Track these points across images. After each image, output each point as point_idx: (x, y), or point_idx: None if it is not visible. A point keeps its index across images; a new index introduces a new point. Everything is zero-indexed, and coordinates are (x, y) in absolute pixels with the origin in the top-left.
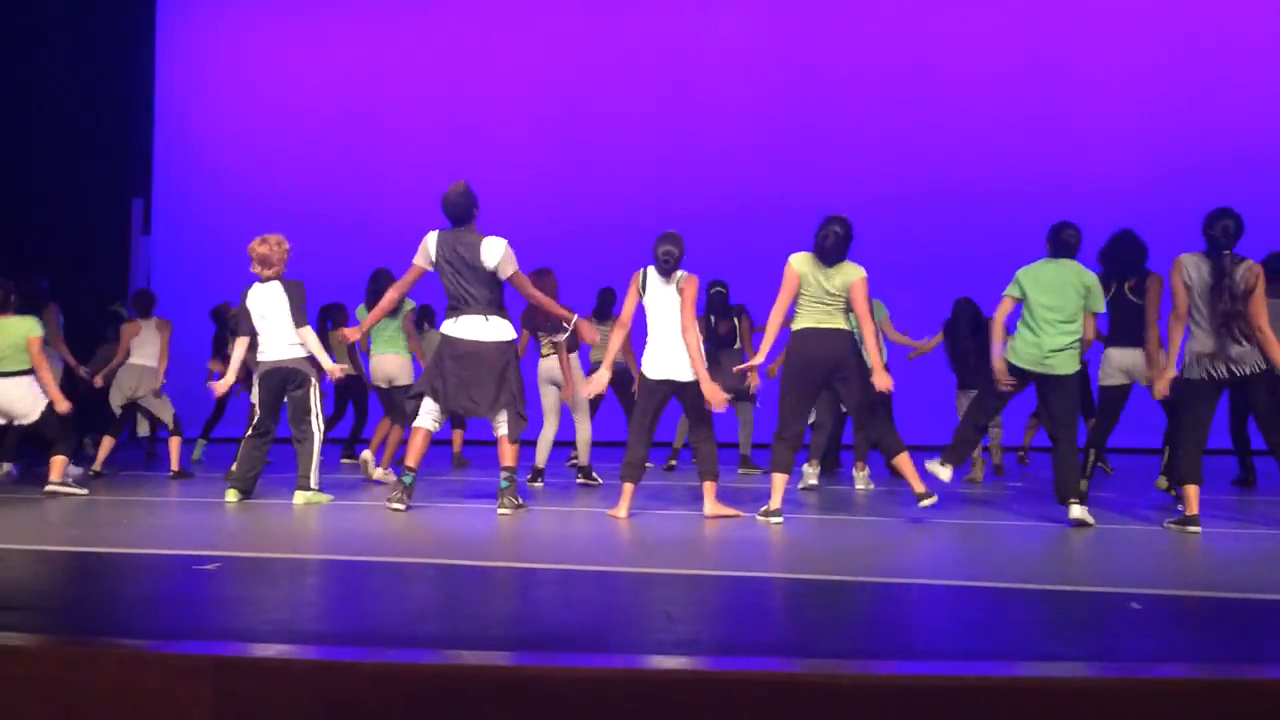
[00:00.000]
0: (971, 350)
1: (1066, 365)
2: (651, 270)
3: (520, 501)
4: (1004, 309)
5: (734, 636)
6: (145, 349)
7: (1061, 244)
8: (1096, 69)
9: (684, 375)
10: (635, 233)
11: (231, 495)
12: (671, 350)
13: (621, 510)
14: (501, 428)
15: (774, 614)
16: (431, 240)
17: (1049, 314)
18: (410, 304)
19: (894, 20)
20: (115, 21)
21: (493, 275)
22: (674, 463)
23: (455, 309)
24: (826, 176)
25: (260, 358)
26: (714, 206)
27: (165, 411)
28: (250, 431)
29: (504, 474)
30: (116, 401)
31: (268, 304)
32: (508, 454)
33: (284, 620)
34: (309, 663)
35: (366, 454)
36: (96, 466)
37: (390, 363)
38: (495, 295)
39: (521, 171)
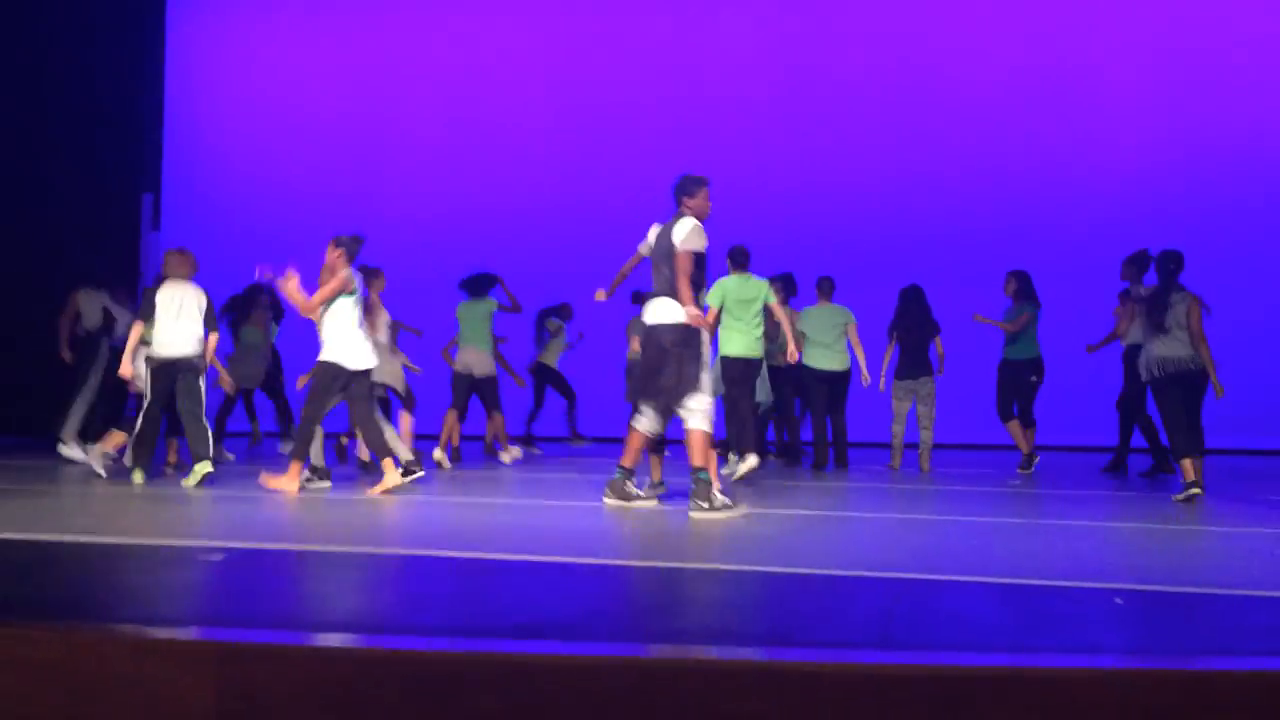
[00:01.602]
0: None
1: None
2: None
3: (721, 501)
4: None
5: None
6: None
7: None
8: (1089, 72)
9: None
10: (636, 231)
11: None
12: None
13: None
14: (690, 420)
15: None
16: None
17: None
18: (492, 303)
19: (893, 25)
20: (125, 16)
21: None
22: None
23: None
24: (819, 176)
25: (163, 351)
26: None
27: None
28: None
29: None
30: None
31: (182, 302)
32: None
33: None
34: (311, 649)
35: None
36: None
37: (470, 355)
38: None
39: (526, 170)
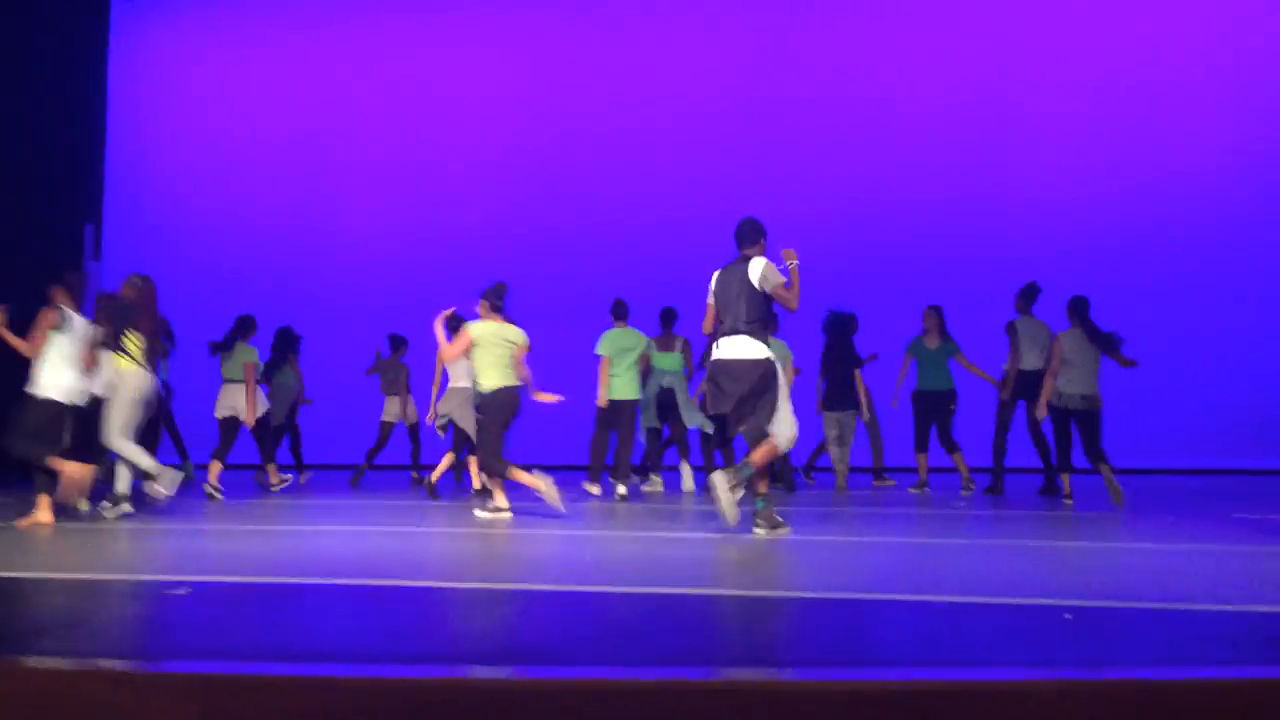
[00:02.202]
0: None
1: None
2: None
3: (780, 521)
4: None
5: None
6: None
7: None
8: (1087, 84)
9: None
10: (610, 249)
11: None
12: None
13: None
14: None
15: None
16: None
17: None
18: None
19: (891, 32)
20: (66, 46)
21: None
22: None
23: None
24: (812, 187)
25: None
26: (701, 221)
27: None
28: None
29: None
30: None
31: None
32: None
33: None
34: (296, 679)
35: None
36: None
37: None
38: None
39: (480, 195)
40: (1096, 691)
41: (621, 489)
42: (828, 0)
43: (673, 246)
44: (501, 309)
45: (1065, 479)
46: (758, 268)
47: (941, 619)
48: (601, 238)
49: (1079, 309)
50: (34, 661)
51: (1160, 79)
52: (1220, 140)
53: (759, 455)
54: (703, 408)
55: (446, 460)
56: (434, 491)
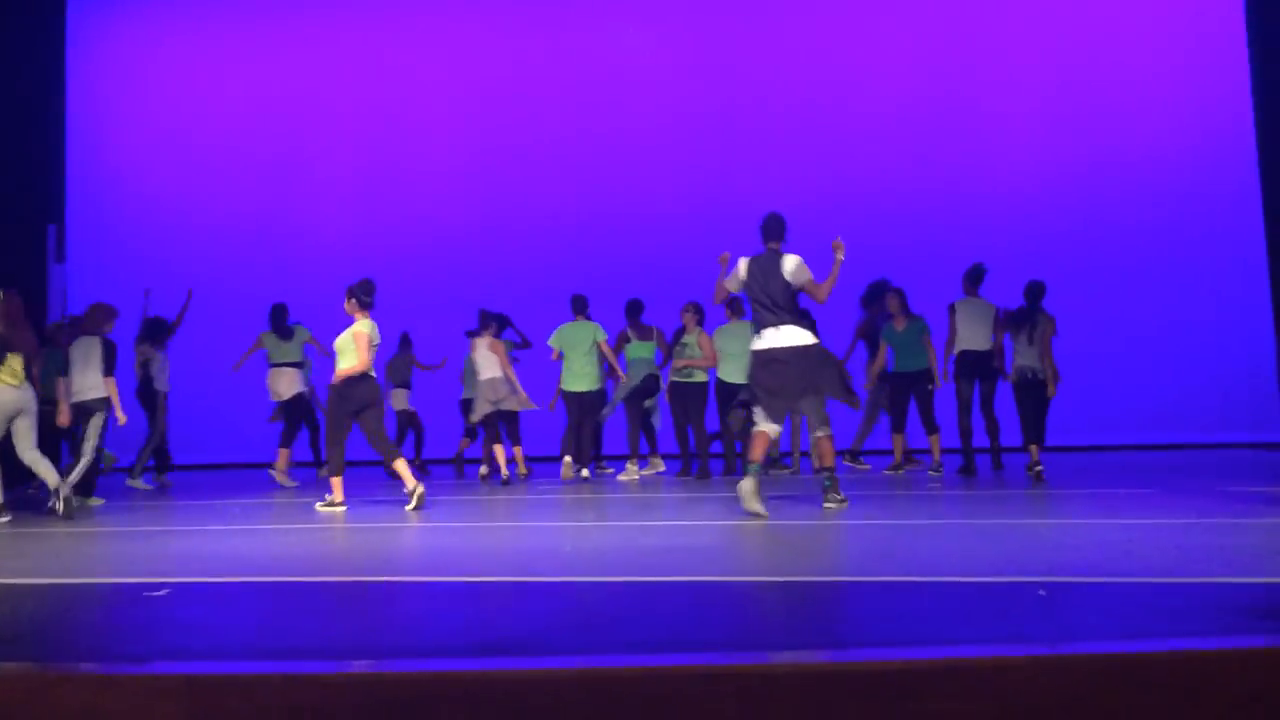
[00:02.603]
0: None
1: None
2: None
3: (844, 497)
4: None
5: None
6: None
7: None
8: (1087, 84)
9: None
10: (584, 252)
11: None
12: None
13: None
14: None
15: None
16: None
17: None
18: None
19: (885, 32)
20: (24, 44)
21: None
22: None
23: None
24: (806, 184)
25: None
26: (695, 222)
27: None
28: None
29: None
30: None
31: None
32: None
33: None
34: (279, 677)
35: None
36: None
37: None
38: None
39: (468, 185)
40: (1069, 665)
41: (585, 472)
42: (818, 4)
43: (661, 242)
44: (371, 305)
45: (1033, 450)
46: (791, 264)
47: (917, 598)
48: (591, 233)
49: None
50: (13, 667)
51: (1125, 69)
52: (1188, 129)
53: (829, 457)
54: (741, 398)
55: (500, 452)
56: (506, 480)
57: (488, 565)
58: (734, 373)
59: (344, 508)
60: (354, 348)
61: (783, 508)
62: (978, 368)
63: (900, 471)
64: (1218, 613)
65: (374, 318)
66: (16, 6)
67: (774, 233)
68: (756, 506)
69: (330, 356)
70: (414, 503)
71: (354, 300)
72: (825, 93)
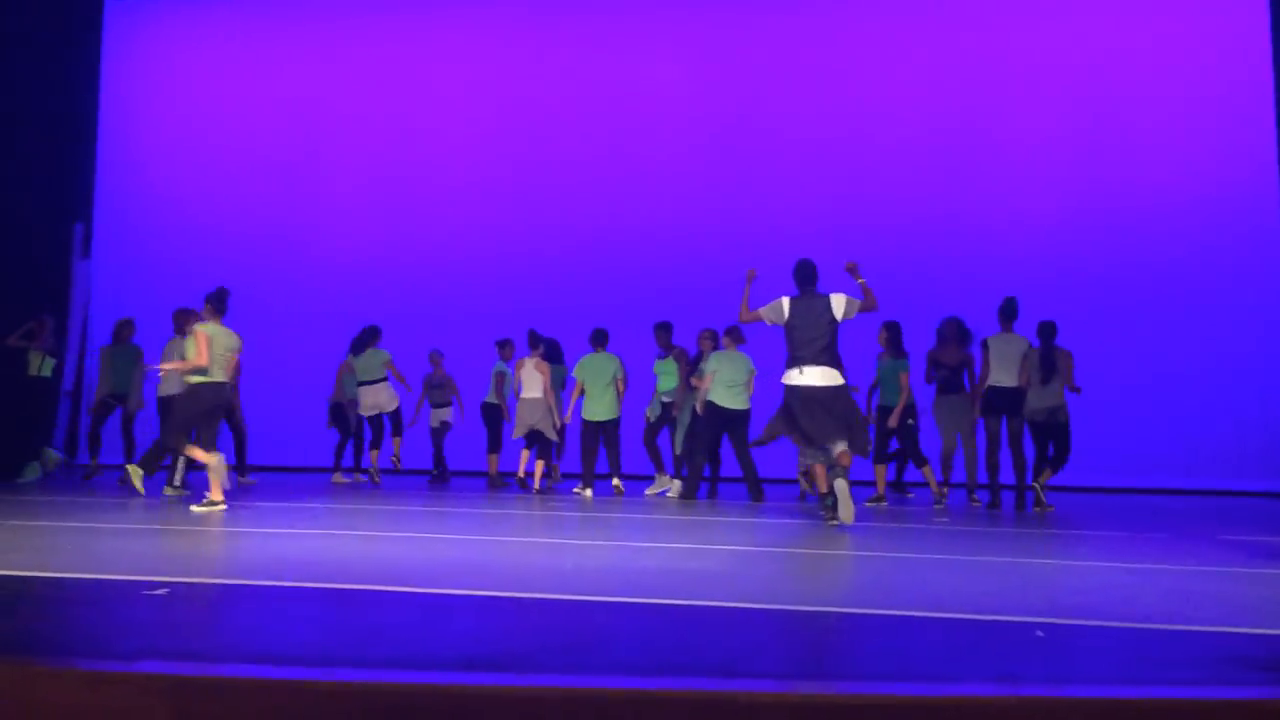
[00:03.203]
0: None
1: None
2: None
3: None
4: None
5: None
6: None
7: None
8: (1080, 93)
9: None
10: (601, 266)
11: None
12: None
13: None
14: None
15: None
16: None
17: None
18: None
19: (889, 47)
20: (59, 45)
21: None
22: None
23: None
24: (809, 204)
25: None
26: (696, 243)
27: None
28: None
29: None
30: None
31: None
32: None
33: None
34: (266, 681)
35: None
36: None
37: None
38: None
39: (473, 202)
40: (1062, 709)
41: (588, 492)
42: (823, 18)
43: (670, 258)
44: (225, 312)
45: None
46: (840, 303)
47: (914, 633)
48: (608, 249)
49: (1041, 332)
50: (6, 662)
51: (1153, 92)
52: (1213, 158)
53: (847, 459)
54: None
55: (539, 466)
56: (538, 490)
57: (487, 579)
58: (726, 397)
59: (224, 506)
60: (195, 349)
61: (793, 534)
62: (1008, 404)
63: (883, 504)
64: (1216, 663)
65: (412, 324)
66: (53, 9)
67: (811, 277)
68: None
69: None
70: (204, 508)
71: (208, 306)
72: (851, 114)
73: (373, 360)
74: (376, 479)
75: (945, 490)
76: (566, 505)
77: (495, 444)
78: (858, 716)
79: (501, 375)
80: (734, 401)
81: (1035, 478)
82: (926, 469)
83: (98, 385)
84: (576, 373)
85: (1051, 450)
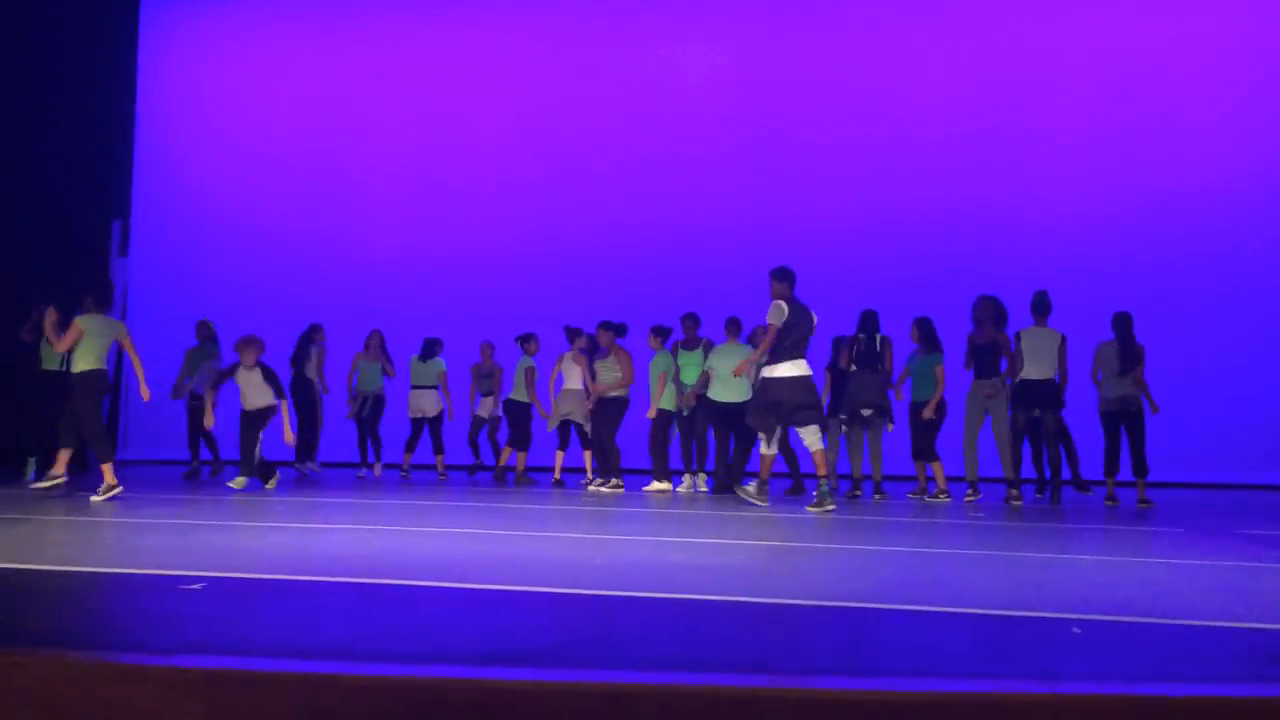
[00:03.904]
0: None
1: None
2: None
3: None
4: None
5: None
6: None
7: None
8: (1103, 87)
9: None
10: (622, 257)
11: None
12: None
13: None
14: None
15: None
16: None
17: None
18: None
19: (901, 46)
20: (97, 44)
21: None
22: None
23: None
24: (812, 205)
25: None
26: (703, 240)
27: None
28: None
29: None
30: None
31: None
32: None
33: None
34: (299, 676)
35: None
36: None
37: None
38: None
39: (511, 204)
40: (1096, 705)
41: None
42: (835, 19)
43: (685, 256)
44: (112, 304)
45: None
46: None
47: (947, 628)
48: (620, 245)
49: (1120, 323)
50: (42, 654)
51: (1187, 84)
52: (1247, 150)
53: (824, 467)
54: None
55: (586, 459)
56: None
57: (515, 574)
58: (723, 391)
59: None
60: (72, 340)
61: (830, 530)
62: (1041, 397)
63: (924, 497)
64: (1251, 659)
65: (446, 319)
66: (93, 8)
67: (793, 281)
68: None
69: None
70: (102, 495)
71: (88, 299)
72: (879, 111)
73: (430, 369)
74: (406, 474)
75: (977, 493)
76: (609, 501)
77: (522, 441)
78: (886, 713)
79: (530, 371)
80: (733, 394)
81: (1107, 473)
82: (937, 464)
83: (174, 386)
84: (713, 360)
85: (1127, 443)
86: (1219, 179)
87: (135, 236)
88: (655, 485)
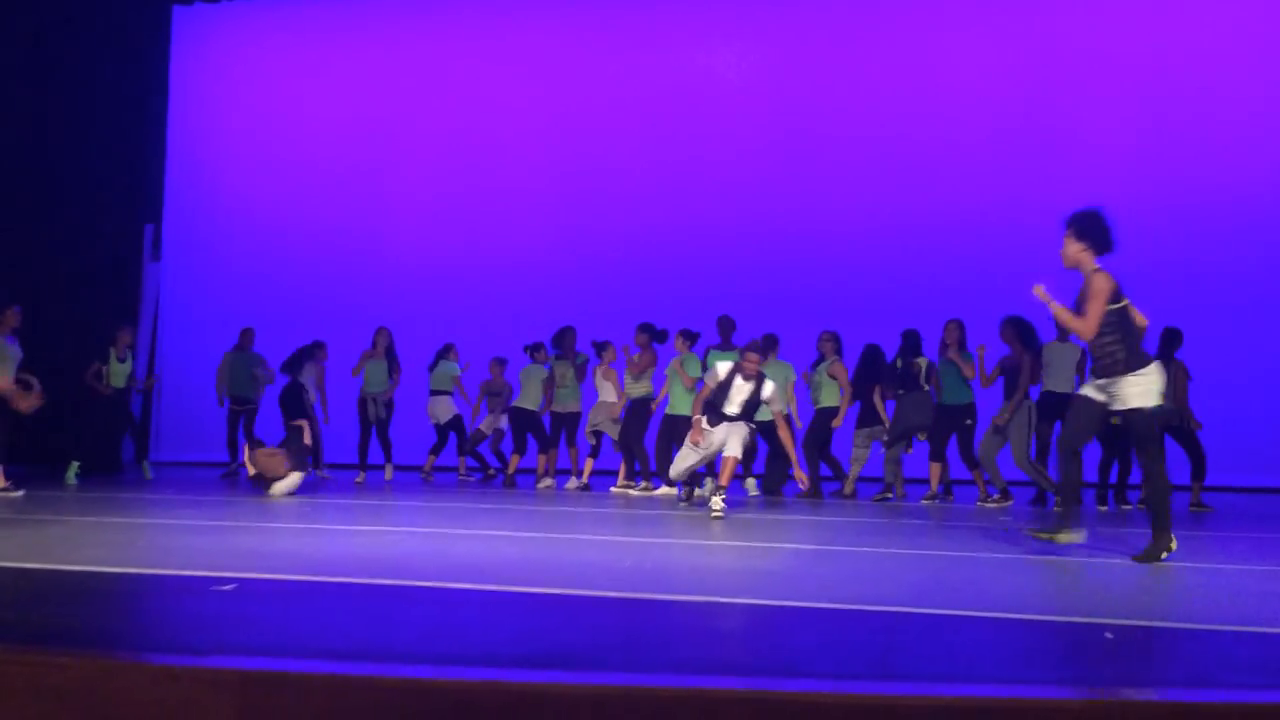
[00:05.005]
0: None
1: None
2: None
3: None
4: None
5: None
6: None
7: None
8: (1082, 104)
9: None
10: (635, 266)
11: None
12: None
13: None
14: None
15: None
16: None
17: None
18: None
19: (892, 56)
20: (130, 49)
21: None
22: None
23: None
24: (817, 211)
25: None
26: (713, 244)
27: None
28: None
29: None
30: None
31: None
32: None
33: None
34: (330, 677)
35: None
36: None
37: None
38: None
39: (535, 207)
40: (1129, 711)
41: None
42: (866, 21)
43: (703, 259)
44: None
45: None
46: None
47: (980, 633)
48: (646, 249)
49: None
50: (81, 655)
51: (1227, 82)
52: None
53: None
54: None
55: (622, 469)
56: (586, 487)
57: (546, 577)
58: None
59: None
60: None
61: (861, 533)
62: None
63: (935, 501)
64: None
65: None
66: (123, 11)
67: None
68: None
69: None
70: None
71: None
72: (900, 113)
73: (442, 373)
74: (429, 477)
75: (1009, 497)
76: (630, 504)
77: (523, 447)
78: (916, 717)
79: (541, 379)
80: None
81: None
82: (976, 471)
83: (216, 389)
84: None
85: (1185, 455)
86: (1261, 179)
87: (167, 240)
88: (663, 489)
